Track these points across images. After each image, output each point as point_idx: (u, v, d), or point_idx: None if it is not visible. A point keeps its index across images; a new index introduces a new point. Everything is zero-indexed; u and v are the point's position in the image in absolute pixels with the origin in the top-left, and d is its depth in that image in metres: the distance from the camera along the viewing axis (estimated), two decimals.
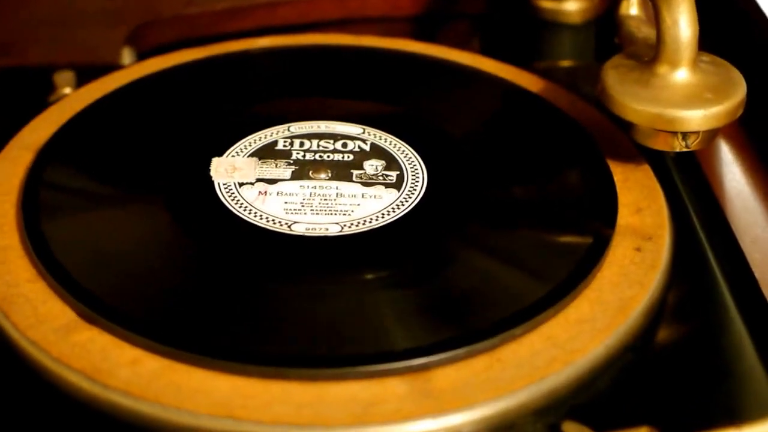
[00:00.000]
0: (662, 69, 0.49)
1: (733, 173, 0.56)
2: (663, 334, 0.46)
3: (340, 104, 0.55)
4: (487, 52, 0.61)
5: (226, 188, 0.49)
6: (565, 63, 0.64)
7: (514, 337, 0.43)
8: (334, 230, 0.47)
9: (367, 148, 0.52)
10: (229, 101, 0.55)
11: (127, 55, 0.62)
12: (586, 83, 0.58)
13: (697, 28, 0.48)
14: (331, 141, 0.52)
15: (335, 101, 0.55)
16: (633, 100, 0.49)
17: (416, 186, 0.50)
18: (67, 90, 0.56)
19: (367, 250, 0.46)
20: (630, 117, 0.49)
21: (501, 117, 0.55)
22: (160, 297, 0.44)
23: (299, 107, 0.54)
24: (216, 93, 0.56)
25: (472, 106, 0.56)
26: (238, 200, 0.49)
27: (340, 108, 0.54)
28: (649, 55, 0.50)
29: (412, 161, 0.52)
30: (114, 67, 0.58)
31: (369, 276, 0.46)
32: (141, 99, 0.55)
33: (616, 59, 0.51)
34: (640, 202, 0.50)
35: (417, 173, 0.51)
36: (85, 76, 0.56)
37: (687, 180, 0.53)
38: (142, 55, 0.63)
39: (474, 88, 0.57)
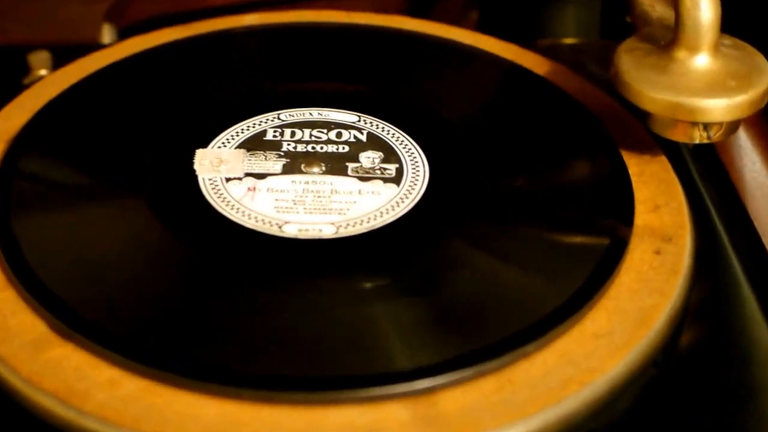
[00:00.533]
0: (681, 54, 0.46)
1: (753, 162, 0.54)
2: (682, 339, 0.43)
3: (334, 88, 0.52)
4: (485, 27, 0.61)
5: (212, 184, 0.46)
6: (569, 40, 0.62)
7: (526, 355, 0.39)
8: (328, 231, 0.44)
9: (363, 138, 0.49)
10: (214, 86, 0.52)
11: (107, 33, 0.60)
12: (591, 62, 0.57)
13: (719, 9, 0.45)
14: (325, 130, 0.49)
15: (328, 85, 0.52)
16: (650, 88, 0.46)
17: (417, 180, 0.47)
18: (43, 72, 0.54)
19: (364, 255, 0.43)
20: (647, 106, 0.46)
21: (505, 102, 0.52)
22: (141, 310, 0.41)
23: (290, 92, 0.51)
24: (200, 76, 0.53)
25: (474, 90, 0.53)
26: (225, 198, 0.46)
27: (333, 93, 0.51)
28: (666, 37, 0.47)
29: (412, 152, 0.49)
30: (93, 46, 0.55)
31: (367, 285, 0.42)
32: (120, 83, 0.52)
33: (631, 42, 0.48)
34: (657, 198, 0.47)
35: (417, 166, 0.48)
36: (61, 56, 0.54)
37: (704, 171, 0.51)
38: (123, 33, 0.60)
39: (475, 70, 0.54)
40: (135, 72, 0.52)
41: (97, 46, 0.55)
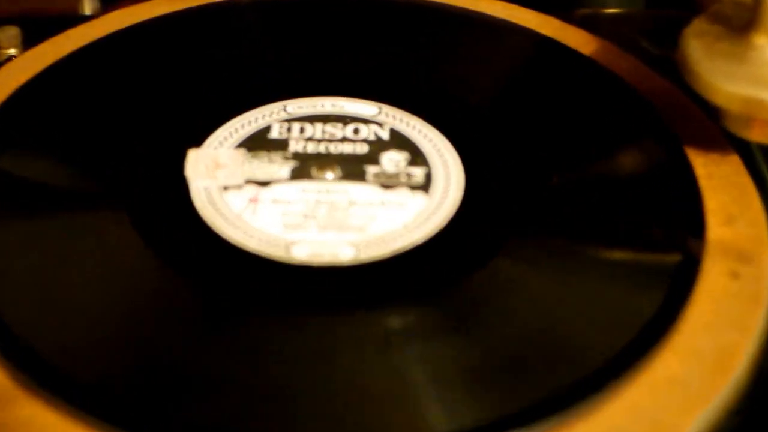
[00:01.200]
0: (761, 39, 0.40)
1: None
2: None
3: (350, 73, 0.47)
4: None
5: (206, 194, 0.41)
6: (612, 10, 0.55)
7: (587, 410, 0.34)
8: (346, 255, 0.39)
9: (384, 135, 0.43)
10: (209, 71, 0.46)
11: (87, 4, 0.54)
12: (637, 35, 0.51)
13: None
14: (340, 125, 0.44)
15: (342, 68, 0.47)
16: (725, 80, 0.40)
17: (450, 187, 0.41)
18: (12, 51, 0.48)
19: (389, 285, 0.38)
20: (720, 101, 0.40)
21: (548, 88, 0.47)
22: (122, 361, 0.35)
23: (298, 79, 0.46)
24: (193, 59, 0.47)
25: (511, 73, 0.48)
26: (222, 211, 0.40)
27: (348, 79, 0.46)
28: (742, 18, 0.41)
29: (443, 152, 0.43)
30: (72, 18, 0.50)
31: (393, 324, 0.36)
32: (100, 67, 0.46)
33: (699, 23, 0.42)
34: (729, 208, 0.41)
35: (450, 169, 0.42)
36: (34, 32, 0.49)
37: None
38: (105, 2, 0.55)
39: (511, 49, 0.49)
40: (118, 53, 0.47)
41: (77, 19, 0.50)
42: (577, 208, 0.41)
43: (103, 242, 0.39)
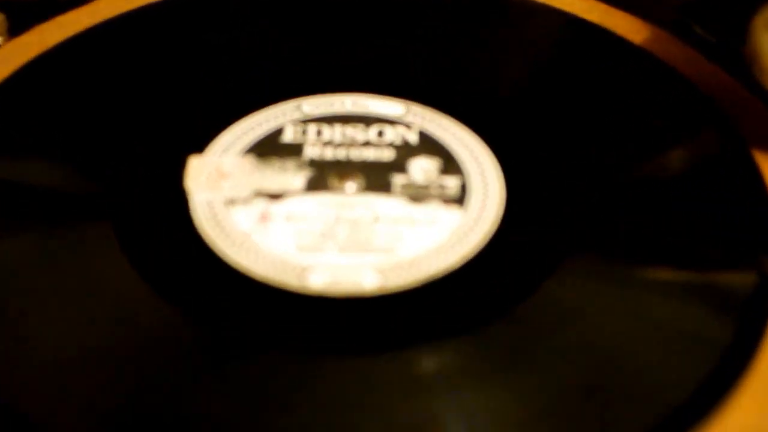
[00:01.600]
0: None
1: None
2: None
3: (372, 67, 0.43)
4: None
5: (209, 209, 0.37)
6: None
7: None
8: (371, 282, 0.35)
9: (413, 138, 0.40)
10: (212, 65, 0.43)
11: None
12: (696, 24, 0.47)
13: None
14: (362, 127, 0.40)
15: (364, 61, 0.43)
16: None
17: (489, 200, 0.38)
18: None
19: (422, 319, 0.34)
20: None
21: (596, 83, 0.43)
22: (106, 413, 0.31)
23: (313, 73, 0.42)
24: (194, 52, 0.43)
25: (554, 65, 0.44)
26: (227, 231, 0.36)
27: (371, 73, 0.43)
28: None
29: (479, 158, 0.39)
30: (61, 3, 0.46)
31: (428, 365, 0.33)
32: (90, 61, 0.43)
33: None
34: None
35: (488, 178, 0.39)
36: (20, 19, 0.45)
37: None
38: None
39: (554, 38, 0.46)
40: (110, 45, 0.44)
41: (65, 4, 0.46)
42: (636, 219, 0.38)
43: (84, 267, 0.36)
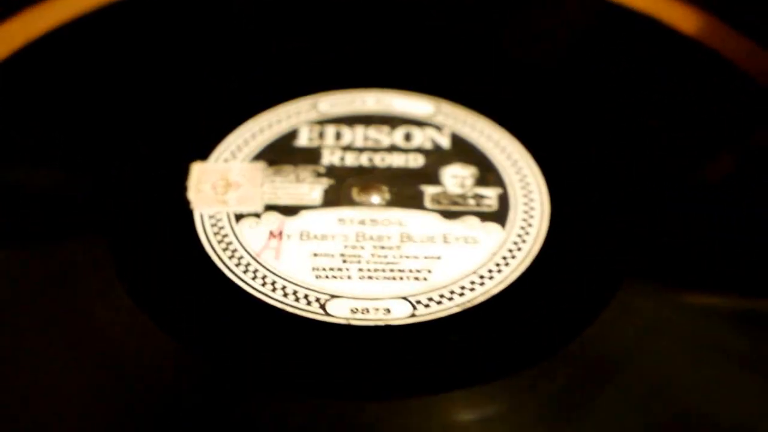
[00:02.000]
0: None
1: None
2: None
3: (397, 60, 0.41)
4: None
5: (214, 225, 0.34)
6: None
7: None
8: (401, 312, 0.32)
9: (444, 142, 0.37)
10: (217, 57, 0.41)
11: None
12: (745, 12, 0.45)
13: None
14: (386, 129, 0.38)
15: (388, 53, 0.41)
16: None
17: (533, 215, 0.35)
18: None
19: (460, 355, 0.31)
20: None
21: (647, 77, 0.41)
22: None
23: (330, 66, 0.40)
24: (197, 45, 0.41)
25: (601, 59, 0.41)
26: (234, 249, 0.33)
27: (396, 67, 0.40)
28: None
29: (520, 164, 0.36)
30: None
31: (468, 411, 0.30)
32: (79, 53, 0.41)
33: None
34: None
35: (531, 188, 0.36)
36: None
37: None
38: None
39: (602, 30, 0.43)
40: (102, 36, 0.42)
41: None
42: (703, 233, 0.35)
43: (70, 295, 0.32)
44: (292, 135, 0.37)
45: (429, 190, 0.35)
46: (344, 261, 0.33)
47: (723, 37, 0.42)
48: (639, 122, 0.39)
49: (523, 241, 0.34)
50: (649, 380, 0.31)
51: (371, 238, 0.34)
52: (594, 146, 0.37)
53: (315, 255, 0.33)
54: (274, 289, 0.32)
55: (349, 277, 0.33)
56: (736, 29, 0.43)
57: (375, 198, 0.35)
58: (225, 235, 0.34)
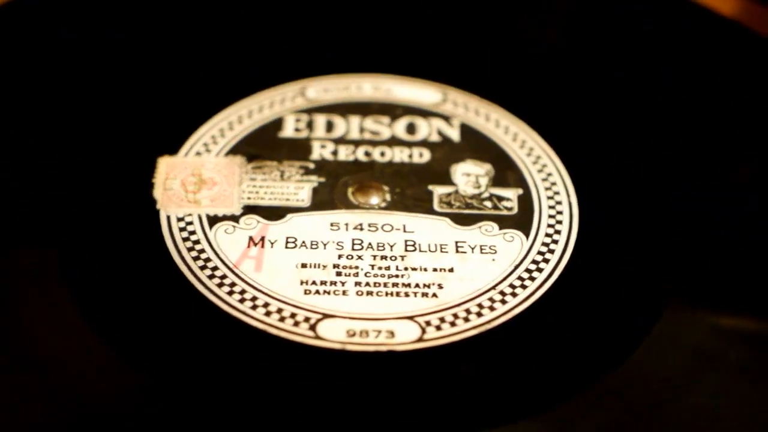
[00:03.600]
0: None
1: None
2: None
3: (398, 41, 0.38)
4: None
5: (183, 230, 0.31)
6: None
7: None
8: (406, 336, 0.29)
9: (454, 135, 0.35)
10: (186, 39, 0.38)
11: None
12: None
13: None
14: (386, 120, 0.35)
15: (387, 34, 0.39)
16: None
17: (560, 219, 0.32)
18: None
19: (477, 386, 0.28)
20: None
21: (681, 58, 0.38)
22: None
23: (321, 47, 0.38)
24: (163, 24, 0.39)
25: (629, 38, 0.39)
26: (207, 259, 0.30)
27: (397, 49, 0.38)
28: None
29: (542, 160, 0.34)
30: None
31: None
32: (30, 31, 0.38)
33: None
34: None
35: (557, 189, 0.33)
36: None
37: None
38: None
39: (630, 12, 0.40)
40: (58, 16, 0.39)
41: None
42: (750, 239, 0.32)
43: (15, 308, 0.29)
44: (276, 125, 0.35)
45: (438, 191, 0.33)
46: (338, 273, 0.30)
47: (760, 18, 0.40)
48: (669, 110, 0.37)
49: (550, 251, 0.31)
50: (702, 419, 0.27)
51: (370, 246, 0.31)
52: (624, 138, 0.35)
53: (303, 266, 0.30)
54: (254, 307, 0.29)
55: (344, 293, 0.30)
56: None
57: (374, 199, 0.33)
58: (196, 242, 0.31)
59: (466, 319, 0.29)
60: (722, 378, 0.29)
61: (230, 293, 0.29)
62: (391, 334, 0.29)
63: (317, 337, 0.29)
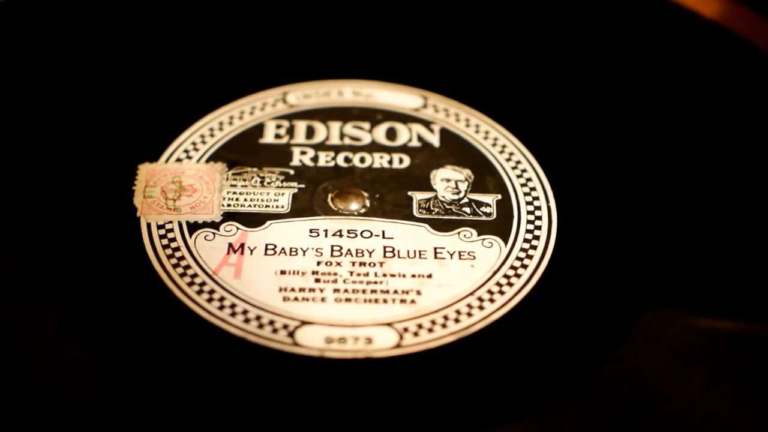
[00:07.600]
0: None
1: None
2: None
3: (379, 46, 0.38)
4: None
5: (162, 238, 0.31)
6: None
7: None
8: (384, 342, 0.29)
9: (434, 140, 0.35)
10: (167, 46, 0.38)
11: None
12: None
13: None
14: (367, 125, 0.35)
15: (369, 39, 0.39)
16: None
17: (539, 224, 0.32)
18: None
19: (455, 393, 0.28)
20: None
21: (665, 62, 0.38)
22: None
23: (301, 53, 0.38)
24: (144, 31, 0.39)
25: (611, 40, 0.39)
26: (187, 266, 0.30)
27: (378, 54, 0.38)
28: None
29: (522, 165, 0.33)
30: None
31: None
32: (18, 38, 0.38)
33: None
34: None
35: (535, 194, 0.33)
36: None
37: None
38: None
39: (609, 17, 0.41)
40: (41, 20, 0.39)
41: None
42: (732, 241, 0.32)
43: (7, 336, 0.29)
44: (257, 131, 0.35)
45: (418, 197, 0.33)
46: (317, 280, 0.30)
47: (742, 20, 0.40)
48: (648, 114, 0.37)
49: (529, 257, 0.31)
50: (682, 419, 0.27)
51: (349, 252, 0.31)
52: (604, 143, 0.35)
53: (282, 273, 0.30)
54: (233, 314, 0.29)
55: (323, 300, 0.29)
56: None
57: (353, 205, 0.33)
58: (176, 249, 0.31)
59: (444, 326, 0.29)
60: (702, 377, 0.29)
61: (210, 300, 0.29)
62: (369, 341, 0.29)
63: (296, 344, 0.28)
